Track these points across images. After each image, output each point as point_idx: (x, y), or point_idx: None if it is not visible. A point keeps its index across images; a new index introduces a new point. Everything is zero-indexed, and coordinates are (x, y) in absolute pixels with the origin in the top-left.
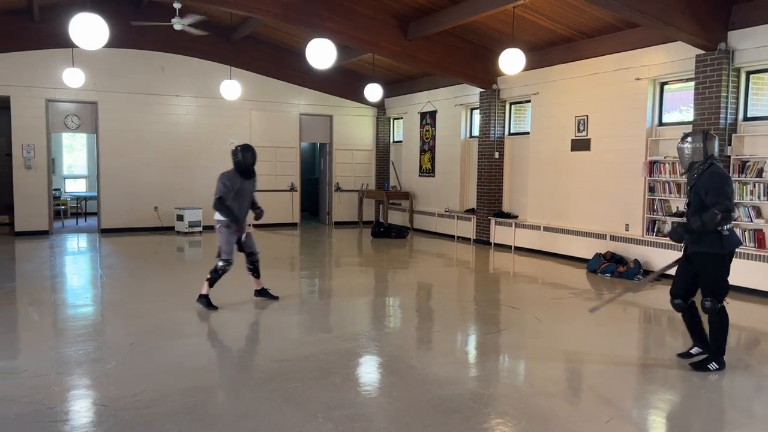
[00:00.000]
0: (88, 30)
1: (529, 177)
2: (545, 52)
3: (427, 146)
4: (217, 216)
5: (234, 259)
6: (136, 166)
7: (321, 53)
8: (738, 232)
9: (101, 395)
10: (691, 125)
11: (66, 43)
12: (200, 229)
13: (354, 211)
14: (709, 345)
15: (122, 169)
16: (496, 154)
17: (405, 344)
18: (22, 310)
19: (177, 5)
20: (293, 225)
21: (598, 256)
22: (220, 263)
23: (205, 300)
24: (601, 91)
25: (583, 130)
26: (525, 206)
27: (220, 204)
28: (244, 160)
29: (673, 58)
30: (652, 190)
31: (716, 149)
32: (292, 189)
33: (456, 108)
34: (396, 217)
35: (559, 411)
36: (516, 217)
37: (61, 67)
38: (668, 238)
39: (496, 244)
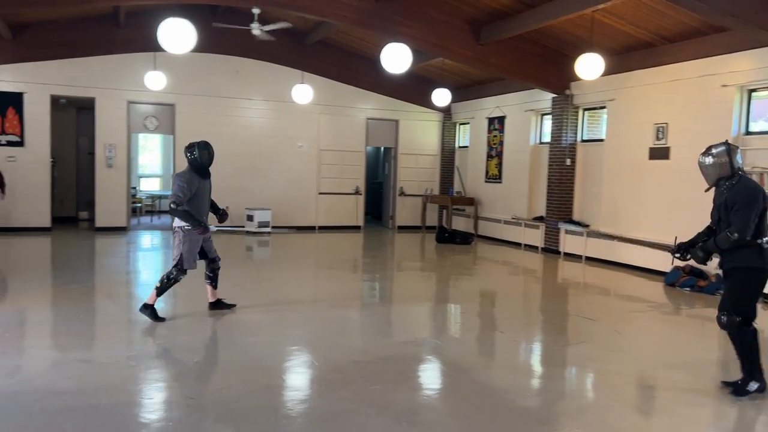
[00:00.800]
0: (176, 34)
1: (603, 185)
2: (623, 57)
3: (495, 152)
4: (178, 222)
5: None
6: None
7: (396, 58)
8: None
9: (188, 388)
10: None
11: (148, 47)
12: (269, 229)
13: (416, 216)
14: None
15: None
16: (568, 161)
17: (483, 352)
18: (105, 304)
19: (256, 11)
20: (357, 228)
21: (677, 269)
22: (174, 271)
23: (150, 310)
24: (683, 98)
25: (662, 138)
26: (597, 215)
27: (175, 212)
28: (201, 158)
29: (764, 64)
30: None
31: (740, 161)
32: (357, 192)
33: (526, 113)
34: (460, 223)
35: (649, 429)
36: (587, 226)
37: (142, 70)
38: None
39: (565, 254)
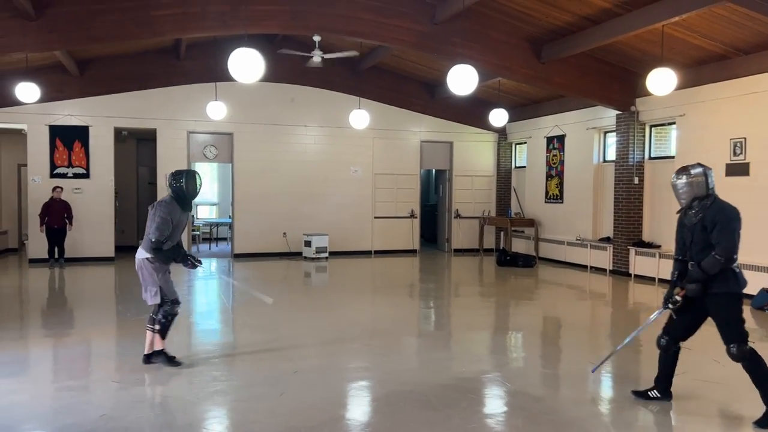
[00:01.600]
0: (246, 64)
1: (674, 204)
2: (693, 71)
3: (555, 171)
4: (142, 253)
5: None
6: (266, 194)
7: (462, 79)
8: None
9: (280, 426)
10: None
11: (207, 77)
12: (326, 255)
13: (472, 239)
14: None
15: (254, 196)
16: (636, 180)
17: (575, 386)
18: (174, 338)
19: (317, 38)
20: (413, 252)
21: (765, 291)
22: (167, 307)
23: (163, 356)
24: (762, 111)
25: (740, 153)
26: (669, 235)
27: (158, 252)
28: (188, 188)
29: None
30: None
31: (713, 183)
32: (412, 216)
33: (588, 132)
34: (520, 245)
35: None
36: (659, 246)
37: (201, 100)
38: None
39: (636, 276)
